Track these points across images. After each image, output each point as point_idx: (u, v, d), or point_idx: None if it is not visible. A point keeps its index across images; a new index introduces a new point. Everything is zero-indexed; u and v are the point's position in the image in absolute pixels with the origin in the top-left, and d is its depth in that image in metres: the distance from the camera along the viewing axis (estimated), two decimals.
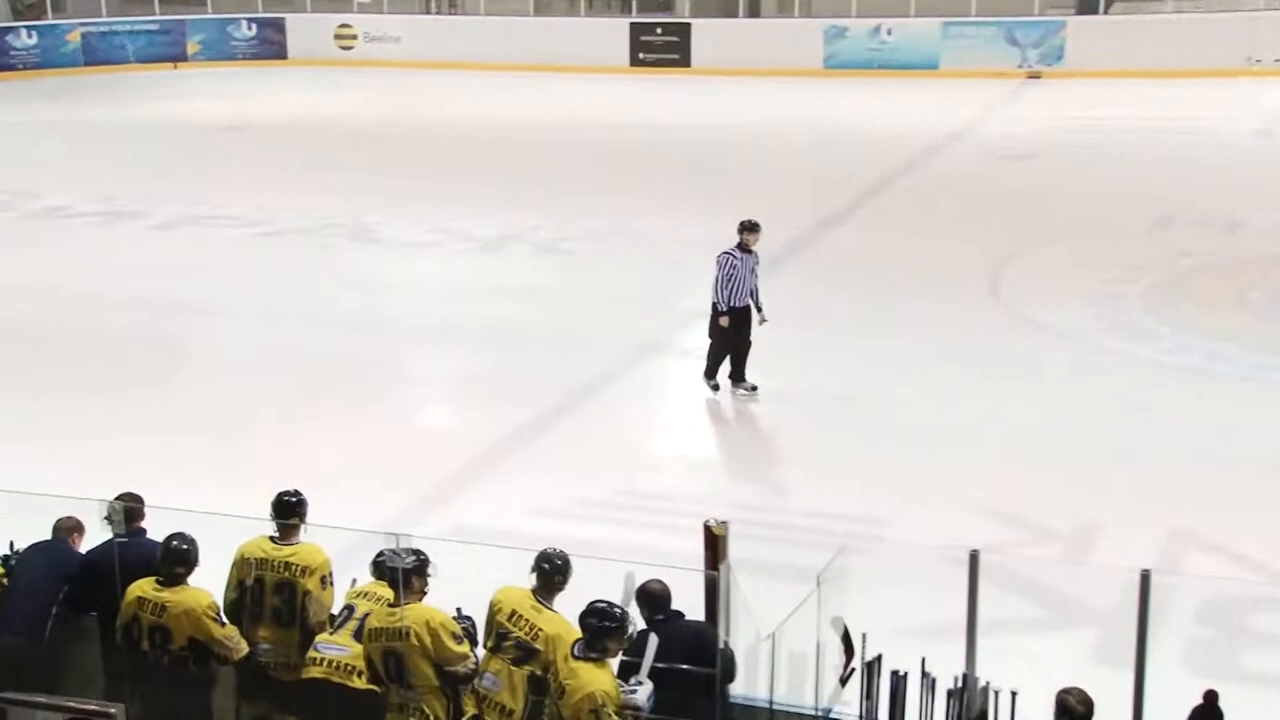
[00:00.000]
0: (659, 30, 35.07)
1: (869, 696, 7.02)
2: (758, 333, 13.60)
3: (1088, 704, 6.52)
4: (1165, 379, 14.33)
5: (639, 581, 7.22)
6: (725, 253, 13.56)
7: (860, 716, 7.08)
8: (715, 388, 13.78)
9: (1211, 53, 29.77)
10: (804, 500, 11.62)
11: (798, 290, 17.44)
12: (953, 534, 9.42)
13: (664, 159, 25.76)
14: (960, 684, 6.89)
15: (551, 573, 7.20)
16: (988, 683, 6.88)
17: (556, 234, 20.46)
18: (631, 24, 35.33)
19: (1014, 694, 6.74)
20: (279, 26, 39.01)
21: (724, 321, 13.47)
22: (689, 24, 34.80)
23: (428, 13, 39.14)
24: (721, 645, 6.88)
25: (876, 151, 24.67)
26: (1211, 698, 6.57)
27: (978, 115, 27.81)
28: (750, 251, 13.58)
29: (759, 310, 13.59)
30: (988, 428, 13.06)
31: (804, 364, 14.84)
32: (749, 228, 13.63)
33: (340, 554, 7.91)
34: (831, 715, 7.30)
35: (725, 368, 13.78)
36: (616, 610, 6.85)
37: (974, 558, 6.90)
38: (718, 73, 33.16)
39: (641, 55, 35.02)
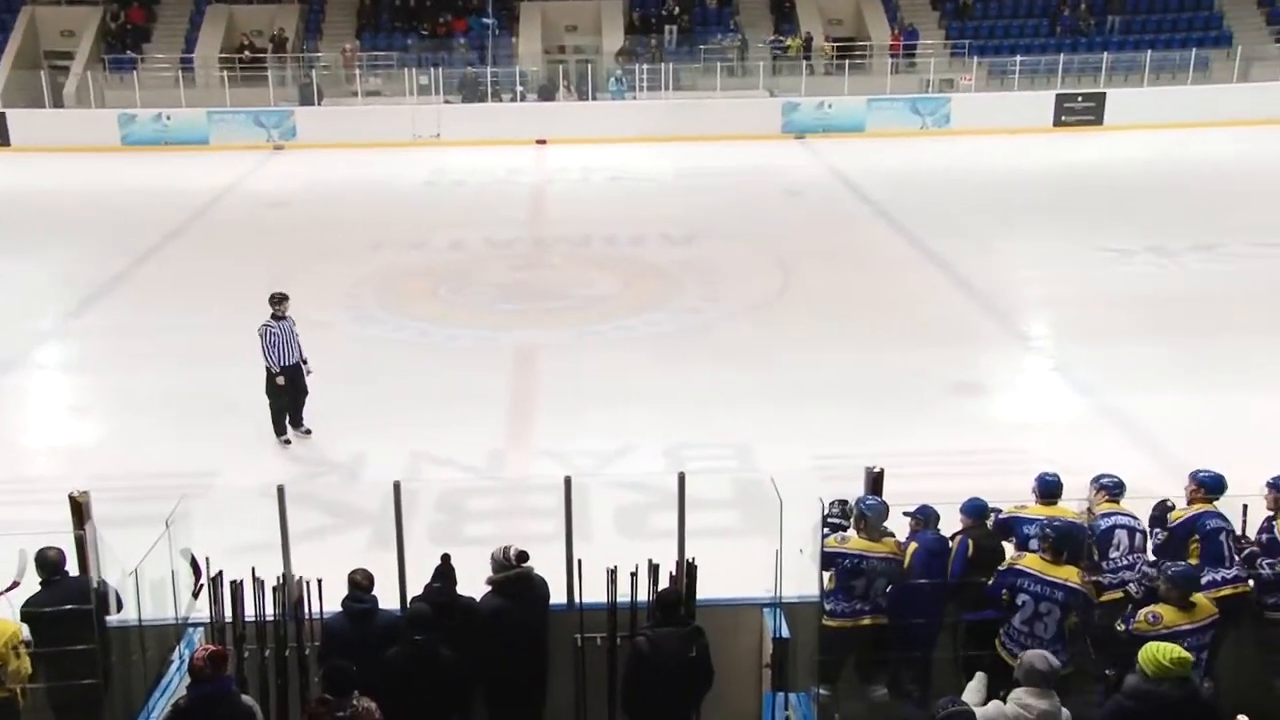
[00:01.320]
0: None
1: (216, 602, 6.72)
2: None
3: (369, 578, 6.60)
4: (393, 350, 14.47)
5: (31, 553, 6.48)
6: (264, 325, 11.16)
7: (211, 618, 6.76)
8: (288, 441, 11.31)
9: (391, 130, 30.25)
10: (152, 464, 10.77)
11: (124, 312, 16.22)
12: (264, 476, 9.11)
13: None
14: (281, 581, 6.78)
15: None
16: (301, 576, 6.81)
17: None
18: None
19: (320, 581, 6.72)
20: None
21: (280, 381, 11.15)
22: (3, 113, 30.58)
23: None
24: (96, 585, 6.36)
25: (171, 205, 22.93)
26: (446, 558, 6.86)
27: (243, 176, 26.65)
28: (284, 318, 11.24)
29: (304, 363, 11.36)
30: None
31: (138, 365, 13.77)
32: (277, 300, 11.30)
33: None
34: (189, 621, 6.99)
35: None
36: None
37: (281, 490, 6.79)
38: (34, 150, 29.50)
39: None
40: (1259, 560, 6.83)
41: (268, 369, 11.26)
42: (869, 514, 6.68)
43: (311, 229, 21.51)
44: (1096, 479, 7.26)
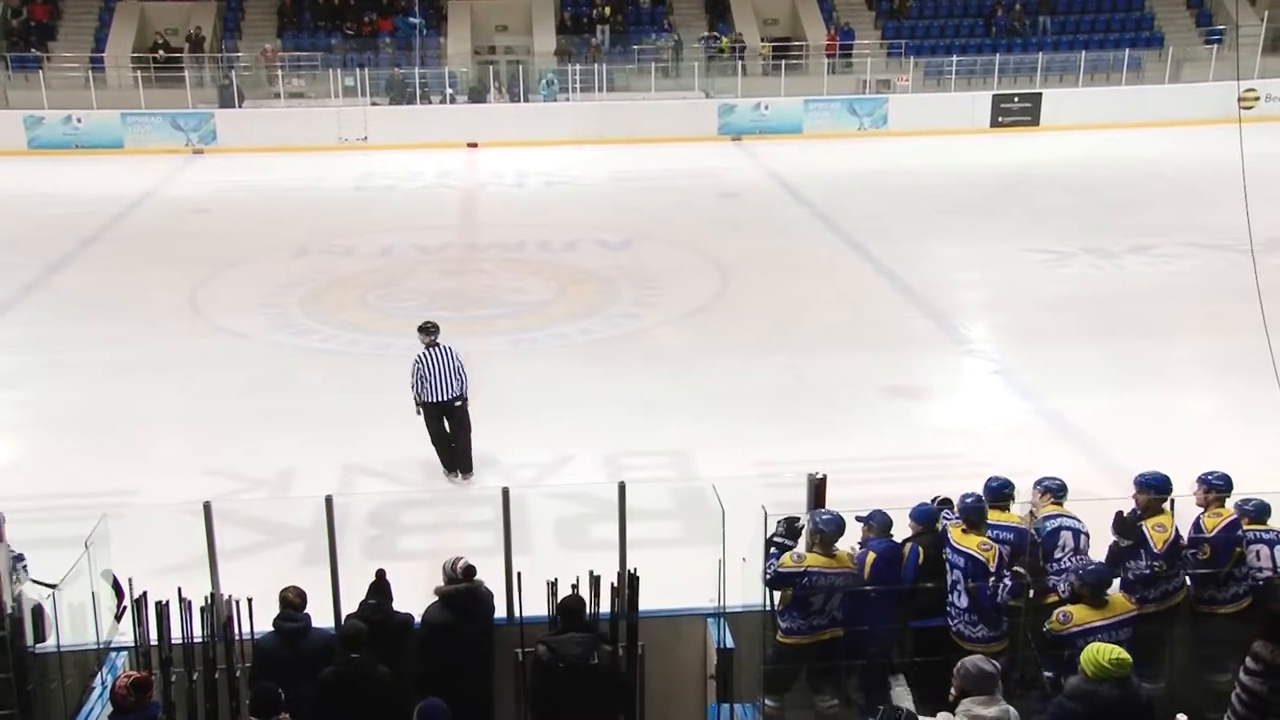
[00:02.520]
0: None
1: (141, 624, 6.62)
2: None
3: (301, 596, 6.59)
4: (322, 359, 14.33)
5: None
6: (419, 355, 10.51)
7: (135, 641, 6.65)
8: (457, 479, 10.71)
9: (316, 133, 29.93)
10: (68, 483, 10.46)
11: (36, 323, 15.93)
12: (189, 493, 8.95)
13: None
14: (209, 601, 6.70)
15: None
16: (230, 596, 6.74)
17: None
18: None
19: (250, 600, 6.67)
20: None
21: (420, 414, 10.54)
22: None
23: None
24: (10, 611, 6.22)
25: (84, 212, 22.49)
26: (381, 573, 6.84)
27: (161, 181, 26.16)
28: (437, 346, 10.56)
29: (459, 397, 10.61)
30: (207, 407, 12.50)
31: (52, 378, 13.54)
32: (425, 329, 10.65)
33: None
34: (112, 645, 6.87)
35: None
36: None
37: (207, 507, 6.73)
38: None
39: None
40: (1185, 552, 7.06)
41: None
42: (826, 530, 6.72)
43: (234, 236, 21.17)
44: (1040, 481, 7.41)
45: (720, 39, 33.86)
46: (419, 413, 10.59)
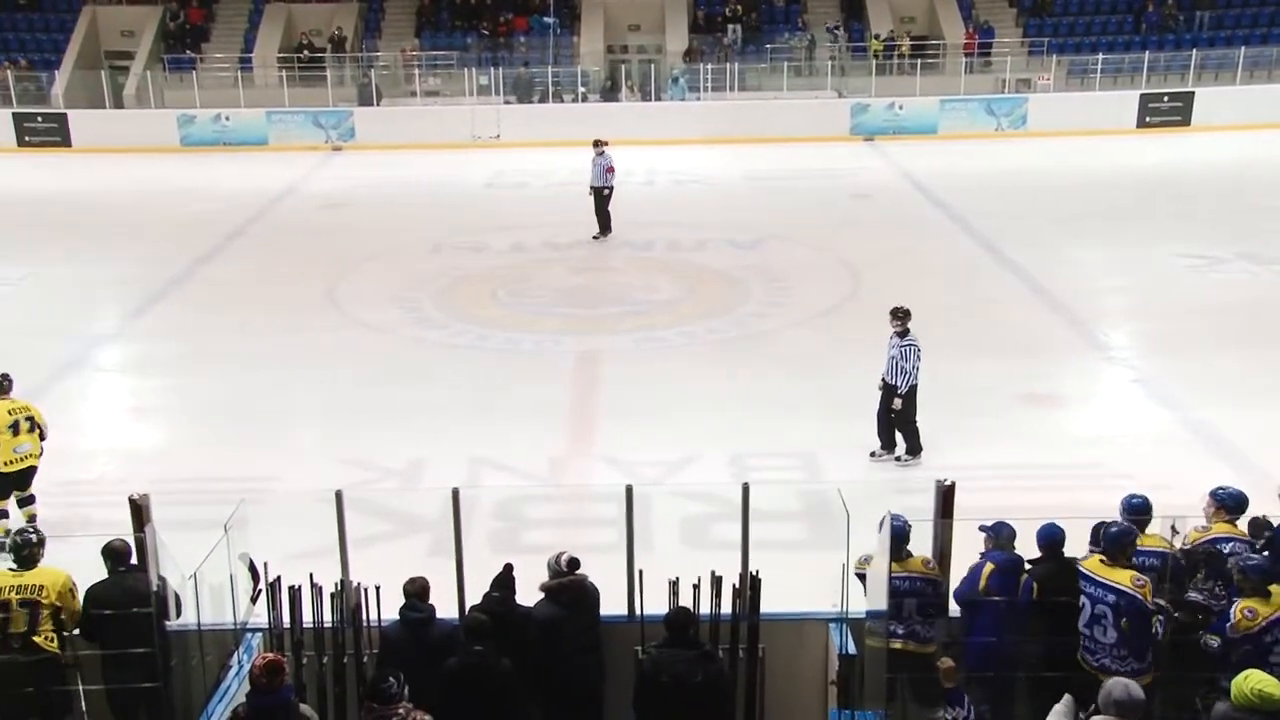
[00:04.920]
0: (40, 119, 31.38)
1: (274, 607, 6.86)
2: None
3: (426, 586, 6.69)
4: (452, 354, 14.59)
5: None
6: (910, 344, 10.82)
7: (269, 623, 6.90)
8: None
9: (450, 131, 30.55)
10: (210, 468, 10.91)
11: (184, 314, 16.59)
12: (322, 481, 9.23)
13: (55, 220, 22.93)
14: (339, 588, 6.89)
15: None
16: (359, 583, 6.92)
17: None
18: (14, 114, 31.27)
19: (378, 588, 6.83)
20: None
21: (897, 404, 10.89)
22: (65, 113, 31.35)
23: None
24: (155, 589, 6.49)
25: (229, 207, 23.37)
26: (509, 567, 6.93)
27: (301, 177, 27.03)
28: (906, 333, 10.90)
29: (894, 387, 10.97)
30: (342, 398, 12.92)
31: (198, 367, 14.13)
32: (898, 315, 10.95)
33: None
34: (248, 627, 7.11)
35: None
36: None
37: (339, 496, 6.91)
38: (95, 150, 30.19)
39: (27, 138, 31.19)
40: None
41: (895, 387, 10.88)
42: (894, 532, 6.41)
43: (370, 231, 21.72)
44: (1214, 492, 6.99)
45: (876, 38, 33.37)
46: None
